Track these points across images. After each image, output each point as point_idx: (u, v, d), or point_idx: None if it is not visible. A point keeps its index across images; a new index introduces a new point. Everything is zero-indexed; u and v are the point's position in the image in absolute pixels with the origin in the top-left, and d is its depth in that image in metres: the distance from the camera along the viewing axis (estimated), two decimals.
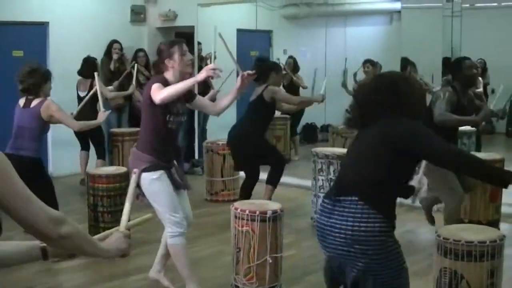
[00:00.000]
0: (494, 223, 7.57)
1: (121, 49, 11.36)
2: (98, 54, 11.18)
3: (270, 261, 5.74)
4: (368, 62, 12.10)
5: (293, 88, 12.97)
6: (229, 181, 9.66)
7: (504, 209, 8.15)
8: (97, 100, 7.79)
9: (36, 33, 11.16)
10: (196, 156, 12.09)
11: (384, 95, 3.81)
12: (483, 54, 12.71)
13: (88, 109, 8.79)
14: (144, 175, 5.50)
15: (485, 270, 4.87)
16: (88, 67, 9.93)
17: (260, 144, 8.22)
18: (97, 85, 8.01)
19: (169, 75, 5.57)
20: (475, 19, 13.32)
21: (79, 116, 8.04)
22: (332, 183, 3.89)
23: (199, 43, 12.17)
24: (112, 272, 6.58)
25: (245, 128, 8.21)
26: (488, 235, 5.00)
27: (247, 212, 5.76)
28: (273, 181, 8.27)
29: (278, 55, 14.39)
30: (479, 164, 3.83)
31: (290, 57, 13.62)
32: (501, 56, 13.53)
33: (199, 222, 7.40)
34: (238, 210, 5.83)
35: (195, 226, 6.45)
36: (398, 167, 3.73)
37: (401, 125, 3.75)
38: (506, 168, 7.74)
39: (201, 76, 5.38)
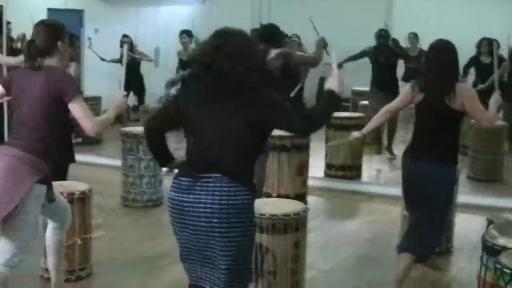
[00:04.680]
0: (302, 196, 7.80)
1: None
2: None
3: (79, 242, 5.67)
4: (184, 33, 12.25)
5: None
6: None
7: (311, 182, 8.44)
8: None
9: None
10: None
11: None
12: (295, 30, 12.93)
13: None
14: (37, 187, 4.33)
15: (289, 242, 5.00)
16: None
17: None
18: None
19: (52, 61, 4.45)
20: None
21: None
22: (189, 160, 3.73)
23: (8, 23, 11.70)
24: None
25: None
26: (292, 208, 5.13)
27: None
28: None
29: (90, 35, 14.22)
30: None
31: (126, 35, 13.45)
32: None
33: None
34: None
35: None
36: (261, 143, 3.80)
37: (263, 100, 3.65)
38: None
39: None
